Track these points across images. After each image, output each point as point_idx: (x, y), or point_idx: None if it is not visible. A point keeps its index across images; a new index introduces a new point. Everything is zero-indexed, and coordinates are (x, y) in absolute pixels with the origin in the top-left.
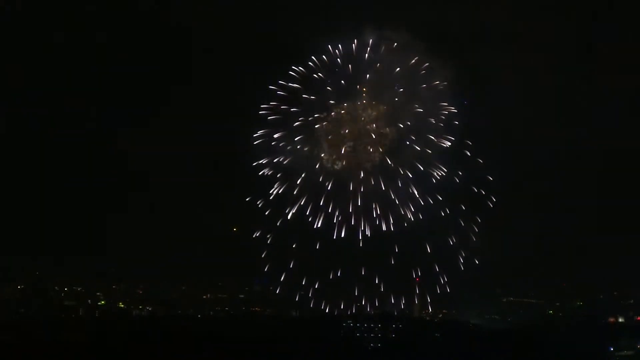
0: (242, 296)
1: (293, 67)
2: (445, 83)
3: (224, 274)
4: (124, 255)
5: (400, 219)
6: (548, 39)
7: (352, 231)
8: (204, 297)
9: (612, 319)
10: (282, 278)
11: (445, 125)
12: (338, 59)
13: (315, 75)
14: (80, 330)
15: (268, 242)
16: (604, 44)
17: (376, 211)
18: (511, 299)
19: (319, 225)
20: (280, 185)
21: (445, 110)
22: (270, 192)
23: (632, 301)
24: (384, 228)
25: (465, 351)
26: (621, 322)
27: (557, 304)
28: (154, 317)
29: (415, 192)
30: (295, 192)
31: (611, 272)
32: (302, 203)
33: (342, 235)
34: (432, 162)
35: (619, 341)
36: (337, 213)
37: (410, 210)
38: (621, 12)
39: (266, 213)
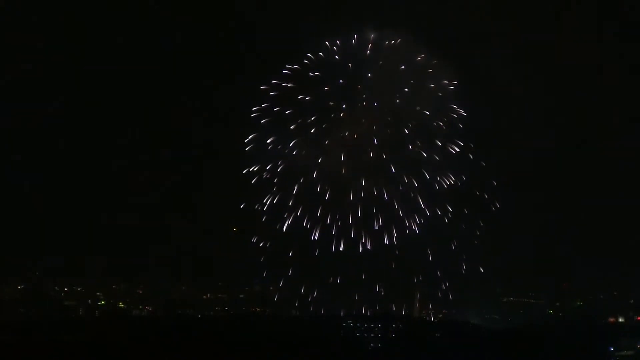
0: (242, 296)
1: (287, 65)
2: (455, 82)
3: (224, 274)
4: (124, 255)
5: (403, 230)
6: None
7: (352, 244)
8: (204, 297)
9: (612, 319)
10: (281, 284)
11: (450, 129)
12: (336, 57)
13: (311, 74)
14: (80, 330)
15: (266, 247)
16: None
17: (378, 223)
18: (511, 299)
19: (316, 238)
20: (275, 194)
21: (453, 113)
22: (265, 201)
23: (632, 301)
24: (386, 241)
25: (465, 351)
26: (621, 322)
27: (557, 304)
28: (154, 317)
29: (421, 202)
30: (290, 203)
31: (611, 272)
32: (298, 214)
33: (341, 248)
34: (438, 168)
35: (619, 341)
36: (335, 225)
37: (415, 221)
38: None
39: (263, 219)
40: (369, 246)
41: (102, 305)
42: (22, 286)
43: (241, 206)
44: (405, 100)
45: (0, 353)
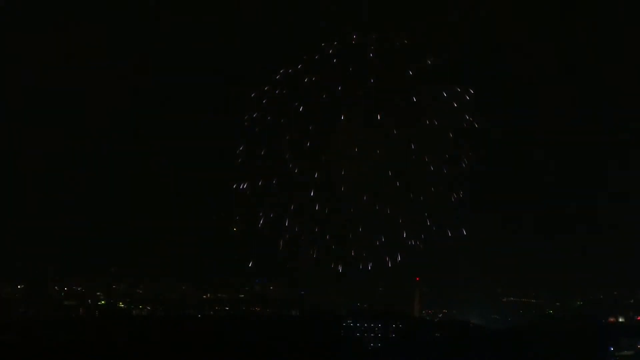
0: (242, 296)
1: (281, 70)
2: (471, 91)
3: (224, 274)
4: (124, 255)
5: (406, 248)
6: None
7: (352, 264)
8: (204, 297)
9: (612, 319)
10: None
11: (462, 141)
12: (335, 60)
13: (307, 80)
14: (80, 330)
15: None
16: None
17: (380, 241)
18: (511, 299)
19: (314, 256)
20: (269, 211)
21: (466, 123)
22: (259, 214)
23: (632, 301)
24: (389, 264)
25: (465, 351)
26: (621, 322)
27: (557, 304)
28: (154, 317)
29: (427, 219)
30: (287, 223)
31: (611, 272)
32: (295, 230)
33: (340, 269)
34: (447, 182)
35: (619, 341)
36: (334, 243)
37: (420, 239)
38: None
39: (259, 225)
40: (369, 267)
41: (102, 305)
42: (22, 286)
43: (237, 217)
44: (413, 109)
45: (0, 353)
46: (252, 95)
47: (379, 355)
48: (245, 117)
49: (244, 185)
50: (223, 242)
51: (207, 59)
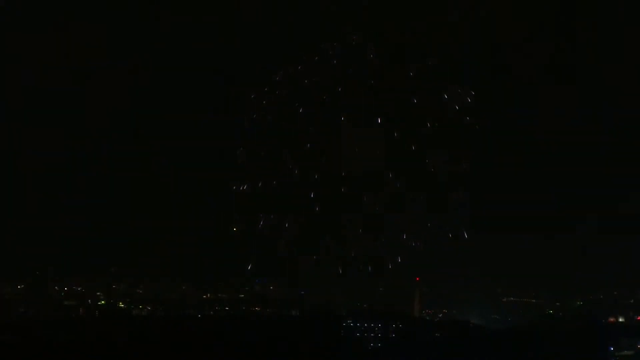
0: (242, 296)
1: (281, 71)
2: (472, 93)
3: (224, 274)
4: (124, 255)
5: (407, 250)
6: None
7: (352, 266)
8: (204, 297)
9: (612, 319)
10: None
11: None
12: (335, 61)
13: (307, 81)
14: (80, 330)
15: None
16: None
17: (380, 243)
18: (511, 299)
19: (314, 257)
20: (268, 214)
21: (467, 126)
22: (260, 215)
23: (632, 301)
24: (390, 266)
25: (465, 351)
26: (621, 322)
27: (557, 304)
28: (154, 317)
29: (427, 220)
30: (286, 225)
31: (611, 272)
32: (295, 234)
33: (340, 271)
34: (448, 184)
35: (619, 341)
36: (334, 245)
37: (421, 239)
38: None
39: (259, 225)
40: (370, 268)
41: (102, 305)
42: (22, 286)
43: (237, 218)
44: (413, 111)
45: (0, 353)
46: (252, 96)
47: (379, 355)
48: (245, 118)
49: (244, 186)
50: (223, 242)
51: (207, 59)
